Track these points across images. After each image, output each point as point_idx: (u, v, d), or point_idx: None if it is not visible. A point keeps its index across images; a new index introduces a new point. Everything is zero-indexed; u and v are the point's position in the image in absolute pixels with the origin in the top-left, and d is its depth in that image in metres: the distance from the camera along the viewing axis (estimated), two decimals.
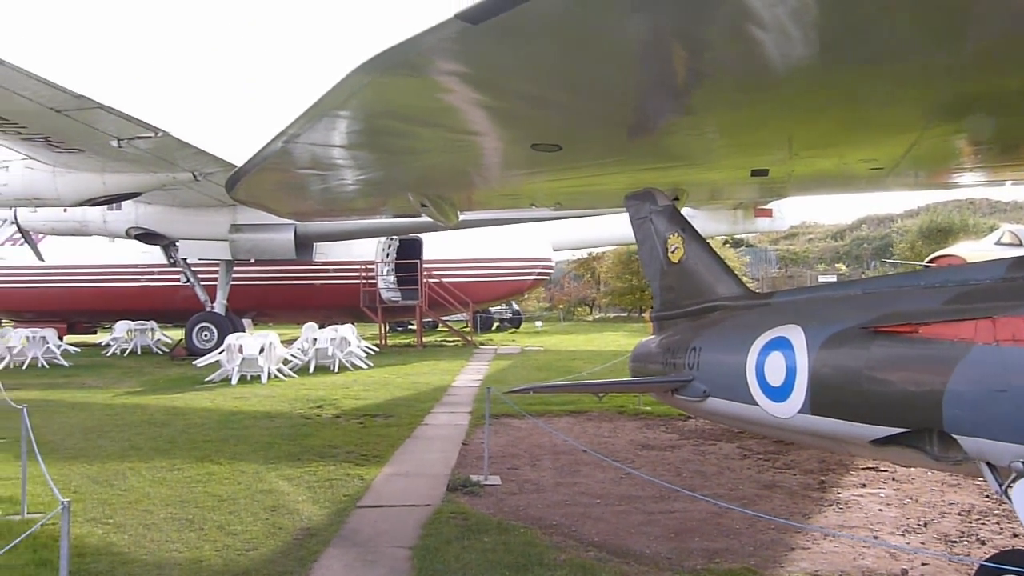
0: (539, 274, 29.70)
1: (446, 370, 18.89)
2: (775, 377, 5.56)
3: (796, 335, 5.43)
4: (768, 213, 27.14)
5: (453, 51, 4.58)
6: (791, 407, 5.37)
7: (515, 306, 38.93)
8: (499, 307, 36.32)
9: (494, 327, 37.47)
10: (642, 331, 22.84)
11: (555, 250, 31.02)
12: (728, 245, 45.40)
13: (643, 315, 38.67)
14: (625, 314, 46.82)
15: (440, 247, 27.75)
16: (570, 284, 53.26)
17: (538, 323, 41.54)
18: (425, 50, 4.54)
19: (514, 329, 37.96)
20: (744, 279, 10.94)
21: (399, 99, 5.72)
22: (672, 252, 8.01)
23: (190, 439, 10.27)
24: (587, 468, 8.48)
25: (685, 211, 9.93)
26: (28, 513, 6.74)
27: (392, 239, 28.09)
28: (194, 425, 11.38)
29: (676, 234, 8.00)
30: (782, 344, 5.56)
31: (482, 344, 28.11)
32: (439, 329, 33.87)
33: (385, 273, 28.25)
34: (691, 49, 4.69)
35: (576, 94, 5.58)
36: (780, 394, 5.49)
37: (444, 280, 27.73)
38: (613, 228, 27.29)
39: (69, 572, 3.92)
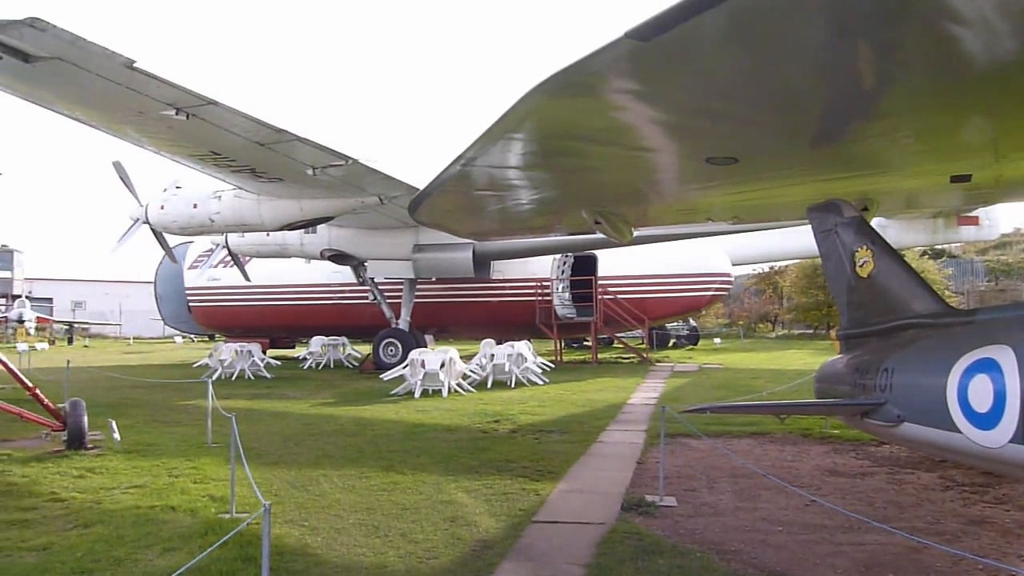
0: (717, 289, 28.87)
1: (621, 387, 18.75)
2: (981, 402, 5.07)
3: (1006, 356, 4.93)
4: (974, 221, 24.87)
5: (624, 69, 4.57)
6: (1001, 436, 4.87)
7: (692, 322, 38.10)
8: (676, 323, 35.65)
9: (671, 344, 36.81)
10: (829, 350, 21.70)
11: (734, 264, 30.03)
12: (927, 256, 42.05)
13: (830, 332, 36.55)
14: (811, 331, 44.51)
15: (615, 263, 27.63)
16: (750, 299, 51.38)
17: (716, 340, 40.40)
18: (596, 71, 4.56)
19: (691, 346, 37.11)
20: (946, 294, 10.10)
21: (572, 119, 5.78)
22: (860, 266, 7.52)
23: (377, 449, 10.81)
24: (768, 493, 8.10)
25: (875, 222, 9.31)
26: (236, 512, 7.35)
27: (567, 256, 28.35)
28: (381, 436, 11.98)
29: (865, 247, 7.51)
30: (989, 366, 5.06)
31: (658, 361, 27.69)
32: (614, 346, 33.71)
33: (560, 290, 28.54)
34: (883, 50, 4.39)
35: (753, 105, 5.40)
36: (988, 421, 5.00)
37: (619, 296, 27.60)
38: (796, 240, 26.10)
39: (270, 569, 4.23)
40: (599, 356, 28.12)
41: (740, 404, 10.53)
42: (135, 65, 11.40)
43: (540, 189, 8.81)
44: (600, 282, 27.72)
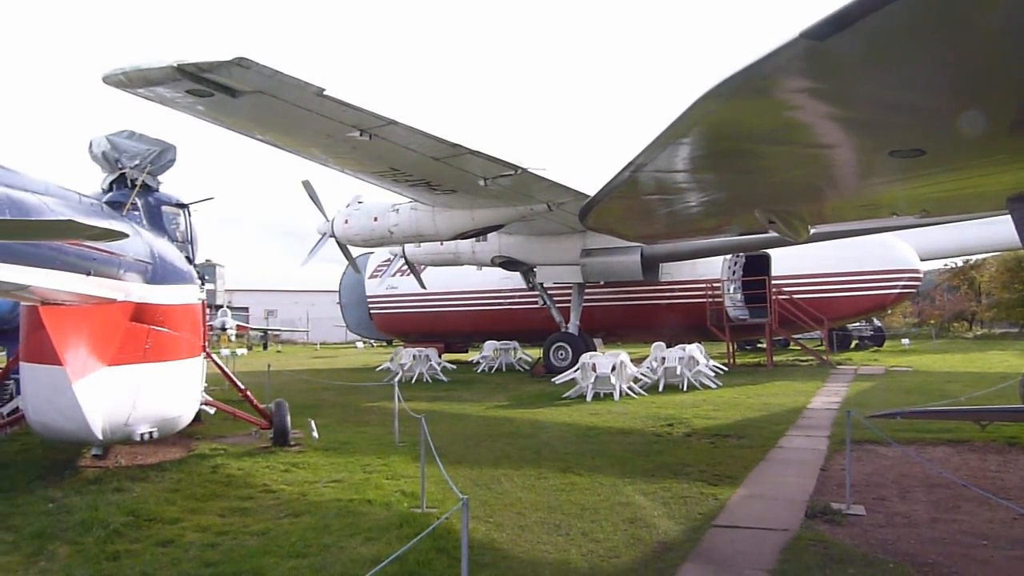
0: (904, 287, 27.02)
1: (800, 391, 18.06)
2: None
3: None
4: None
5: (800, 69, 4.52)
6: None
7: (877, 322, 35.89)
8: (858, 324, 33.72)
9: (852, 345, 34.87)
10: None
11: (923, 259, 27.99)
12: None
13: None
14: (1015, 330, 40.60)
15: (790, 262, 26.56)
16: (943, 297, 47.56)
17: (905, 341, 37.82)
18: (769, 73, 4.54)
19: (876, 348, 34.96)
20: None
21: (744, 121, 5.75)
22: None
23: (553, 451, 11.09)
24: (969, 505, 7.61)
25: None
26: (426, 507, 7.84)
27: (738, 256, 27.60)
28: (556, 438, 12.26)
29: None
30: None
31: (839, 364, 26.34)
32: (791, 348, 32.39)
33: (732, 291, 27.82)
34: None
35: (942, 93, 5.15)
36: None
37: (795, 296, 26.52)
38: (993, 232, 24.03)
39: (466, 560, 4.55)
40: (774, 359, 27.12)
41: (935, 408, 9.90)
42: (325, 92, 12.36)
43: (710, 191, 8.73)
44: (774, 282, 26.76)
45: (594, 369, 17.63)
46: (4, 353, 19.66)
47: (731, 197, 9.31)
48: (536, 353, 28.07)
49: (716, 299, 27.12)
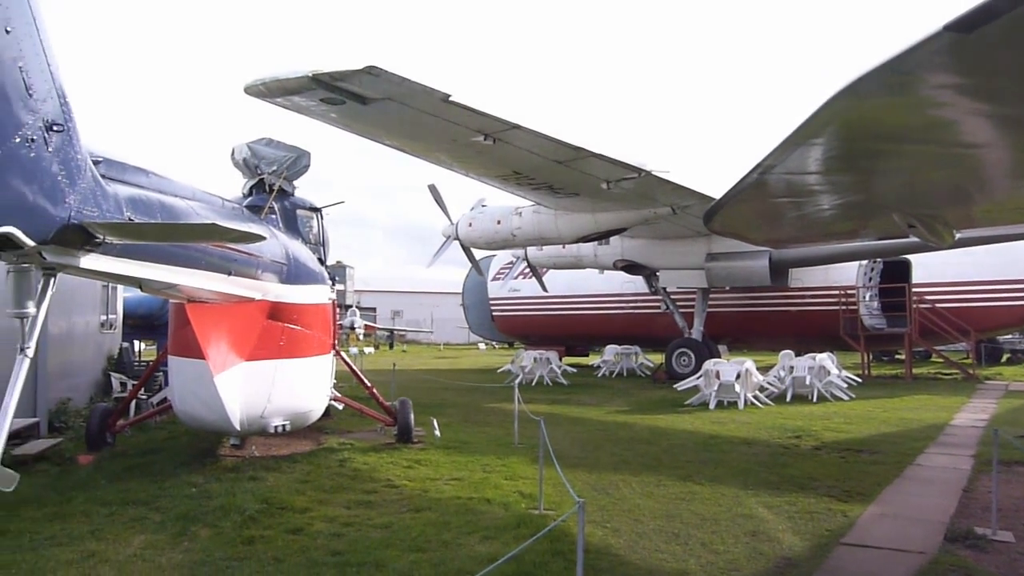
0: None
1: (942, 406, 16.95)
2: None
3: None
4: None
5: (944, 64, 4.26)
6: None
7: None
8: (1010, 336, 31.30)
9: (1003, 359, 32.44)
10: None
11: None
12: None
13: None
14: None
15: (933, 269, 24.93)
16: None
17: None
18: (912, 68, 4.30)
19: None
20: None
21: (883, 119, 5.47)
22: None
23: (673, 458, 10.89)
24: None
25: None
26: (543, 509, 7.86)
27: (875, 262, 26.18)
28: (676, 446, 12.03)
29: None
30: None
31: (988, 379, 24.57)
32: (932, 360, 30.50)
33: (868, 298, 26.43)
34: None
35: None
36: None
37: (938, 305, 24.93)
38: None
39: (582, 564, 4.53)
40: (914, 371, 25.58)
41: None
42: (450, 98, 12.63)
43: (844, 194, 8.36)
44: (915, 290, 25.25)
45: (718, 376, 17.20)
46: (155, 346, 21.16)
47: (867, 200, 8.88)
48: (658, 358, 27.64)
49: (850, 307, 25.84)
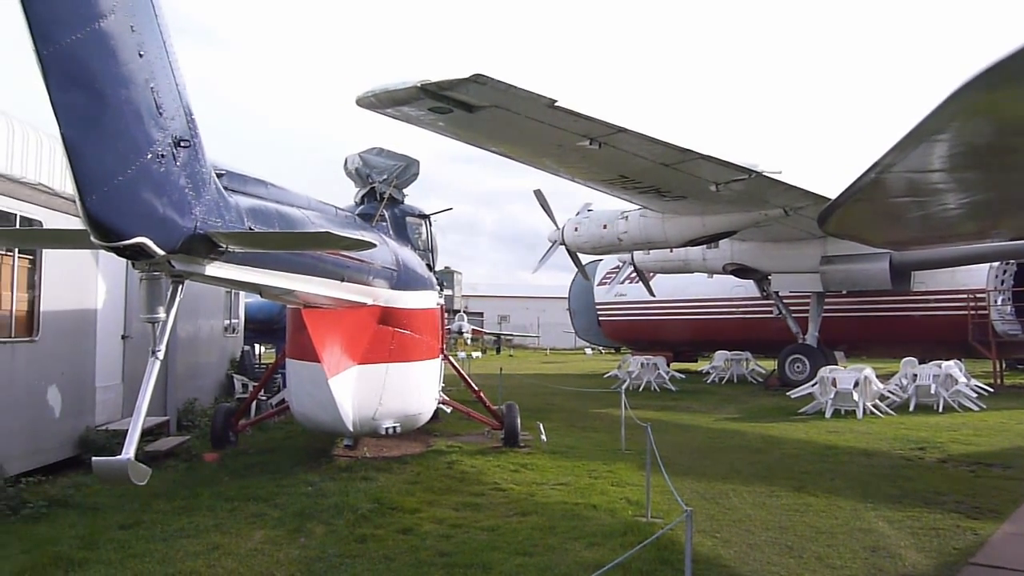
0: None
1: None
2: None
3: None
4: None
5: None
6: None
7: None
8: None
9: None
10: None
11: None
12: None
13: None
14: None
15: None
16: None
17: None
18: None
19: None
20: None
21: (1016, 112, 5.13)
22: None
23: (786, 468, 10.53)
24: None
25: None
26: (651, 516, 7.75)
27: (1008, 263, 24.53)
28: (789, 455, 11.63)
29: None
30: None
31: None
32: None
33: (999, 302, 24.78)
34: None
35: None
36: None
37: None
38: None
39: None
40: None
41: None
42: (556, 104, 12.67)
43: (973, 192, 7.89)
44: None
45: (834, 384, 16.51)
46: (274, 350, 22.13)
47: (998, 198, 8.36)
48: (770, 365, 26.80)
49: (980, 312, 24.28)
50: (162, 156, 4.29)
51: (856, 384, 16.36)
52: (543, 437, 12.68)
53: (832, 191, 14.26)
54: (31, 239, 8.62)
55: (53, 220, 9.64)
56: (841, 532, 7.27)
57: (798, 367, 23.08)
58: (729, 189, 17.16)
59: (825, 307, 24.21)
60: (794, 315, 24.86)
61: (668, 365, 25.38)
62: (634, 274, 29.47)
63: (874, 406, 16.47)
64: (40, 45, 3.59)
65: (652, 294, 29.81)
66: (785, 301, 25.19)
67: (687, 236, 21.06)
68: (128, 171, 4.05)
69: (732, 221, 19.90)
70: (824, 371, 17.24)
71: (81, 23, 3.74)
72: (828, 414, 16.14)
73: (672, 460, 10.85)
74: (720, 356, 27.72)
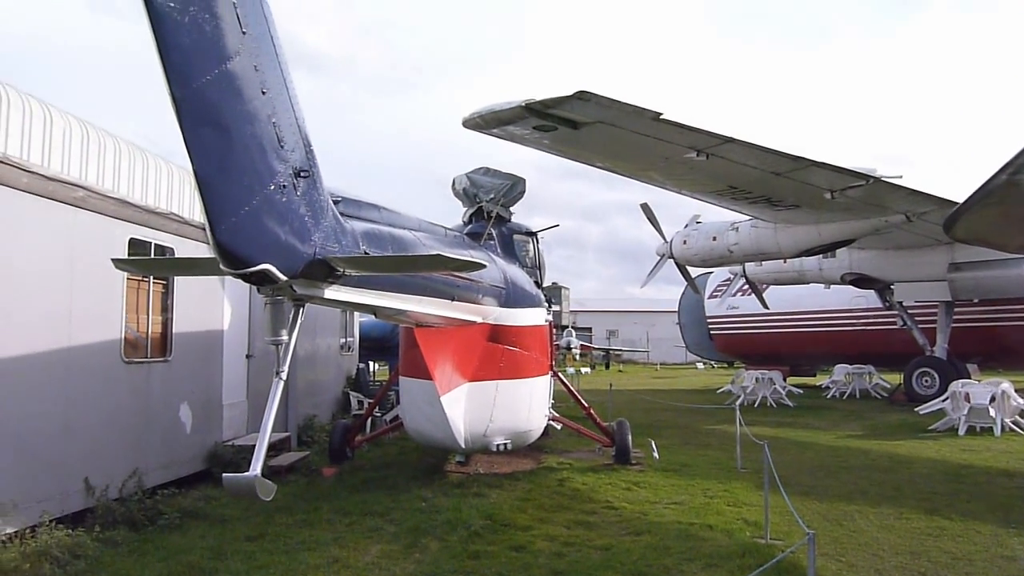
0: None
1: None
2: None
3: None
4: None
5: None
6: None
7: None
8: None
9: None
10: None
11: None
12: None
13: None
14: None
15: None
16: None
17: None
18: None
19: None
20: None
21: None
22: None
23: (916, 489, 9.98)
24: None
25: None
26: (770, 538, 7.49)
27: None
28: (919, 475, 11.01)
29: None
30: None
31: None
32: None
33: None
34: None
35: None
36: None
37: None
38: None
39: None
40: None
41: None
42: (661, 117, 12.54)
43: None
44: None
45: (967, 399, 15.54)
46: (387, 367, 22.71)
47: None
48: (895, 379, 25.49)
49: None
50: (284, 187, 4.51)
51: (992, 399, 15.35)
52: (655, 454, 12.48)
53: (959, 194, 13.51)
54: (166, 267, 9.19)
55: (183, 247, 10.26)
56: (980, 559, 6.82)
57: (926, 381, 21.87)
58: (845, 196, 16.48)
59: (955, 317, 22.84)
60: (920, 326, 23.59)
61: (785, 379, 24.55)
62: (746, 286, 28.72)
63: (1013, 422, 15.39)
64: (174, 88, 3.86)
65: (766, 306, 28.95)
66: (910, 311, 23.95)
67: (802, 246, 20.34)
68: (253, 202, 4.28)
69: (850, 229, 19.09)
70: (956, 385, 16.25)
71: (211, 66, 4.00)
72: (962, 431, 15.19)
73: (791, 479, 10.48)
74: (840, 370, 26.60)
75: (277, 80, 4.50)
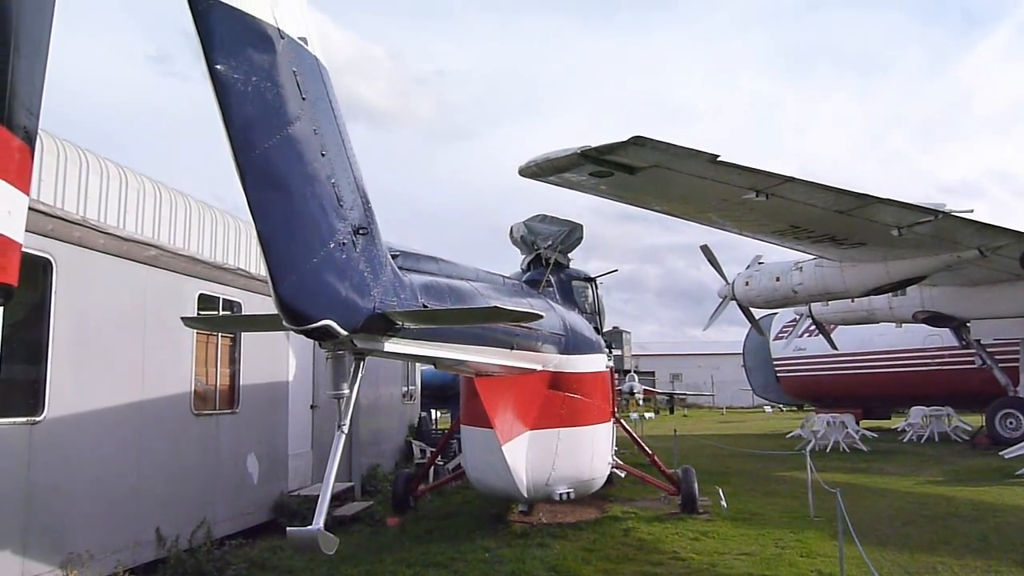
0: None
1: None
2: None
3: None
4: None
5: None
6: None
7: None
8: None
9: None
10: None
11: None
12: None
13: None
14: None
15: None
16: None
17: None
18: None
19: None
20: None
21: None
22: None
23: (1005, 539, 9.47)
24: None
25: None
26: None
27: None
28: (1008, 524, 10.45)
29: None
30: None
31: None
32: None
33: None
34: None
35: None
36: None
37: None
38: None
39: None
40: None
41: None
42: (718, 159, 12.47)
43: None
44: None
45: None
46: (448, 414, 22.76)
47: None
48: (975, 420, 24.41)
49: None
50: (343, 244, 4.62)
51: None
52: (723, 503, 12.15)
53: None
54: (232, 324, 9.46)
55: (250, 300, 10.55)
56: None
57: (1011, 423, 20.90)
58: (913, 233, 16.04)
59: None
60: (1001, 364, 22.62)
61: (857, 423, 23.78)
62: (813, 327, 28.04)
63: None
64: (238, 154, 4.02)
65: (834, 347, 28.20)
66: (989, 349, 23.00)
67: (869, 285, 19.80)
68: (314, 260, 4.40)
69: (920, 266, 18.52)
70: None
71: (273, 132, 4.16)
72: None
73: (868, 529, 10.06)
74: (917, 412, 25.61)
75: (335, 141, 4.64)
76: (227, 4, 3.88)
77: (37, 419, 7.04)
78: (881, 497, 13.11)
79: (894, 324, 25.56)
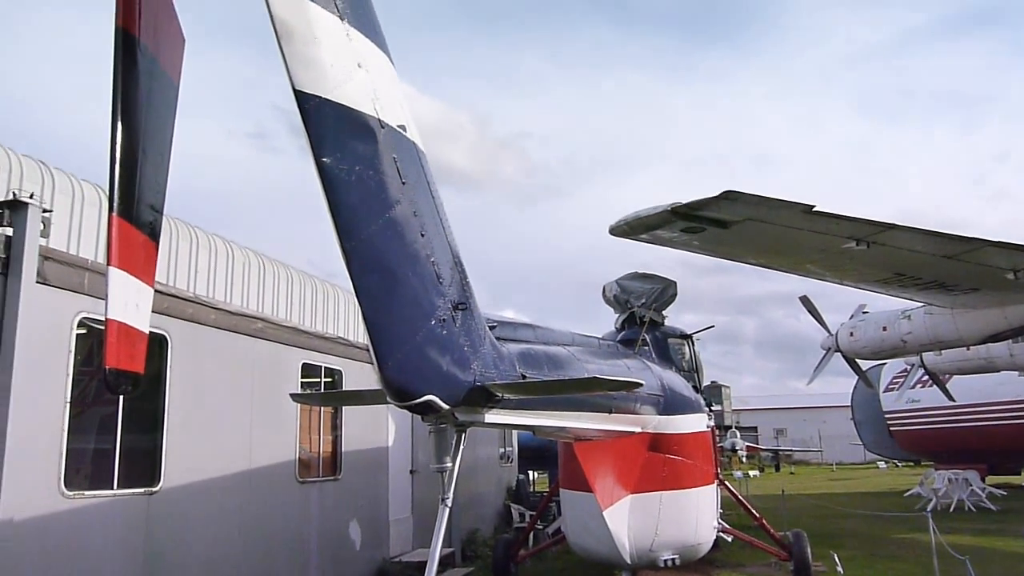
0: None
1: None
2: None
3: None
4: None
5: None
6: None
7: None
8: None
9: None
10: None
11: None
12: None
13: None
14: None
15: None
16: None
17: None
18: None
19: None
20: None
21: None
22: None
23: None
24: None
25: None
26: None
27: None
28: None
29: None
30: None
31: None
32: None
33: None
34: None
35: None
36: None
37: None
38: None
39: None
40: None
41: None
42: (814, 209, 12.18)
43: None
44: None
45: None
46: (547, 476, 22.54)
47: None
48: None
49: None
50: (443, 320, 4.72)
51: None
52: (839, 568, 11.52)
53: None
54: (337, 400, 9.73)
55: (350, 368, 10.82)
56: None
57: None
58: None
59: None
60: None
61: (983, 479, 22.30)
62: (926, 377, 26.63)
63: None
64: (343, 240, 4.19)
65: (951, 398, 26.64)
66: None
67: (986, 332, 18.74)
68: (416, 338, 4.51)
69: None
70: None
71: (375, 217, 4.33)
72: None
73: None
74: None
75: (434, 221, 4.79)
76: (333, 101, 4.09)
77: (154, 489, 7.35)
78: (1017, 562, 12.20)
79: (1016, 372, 24.04)
